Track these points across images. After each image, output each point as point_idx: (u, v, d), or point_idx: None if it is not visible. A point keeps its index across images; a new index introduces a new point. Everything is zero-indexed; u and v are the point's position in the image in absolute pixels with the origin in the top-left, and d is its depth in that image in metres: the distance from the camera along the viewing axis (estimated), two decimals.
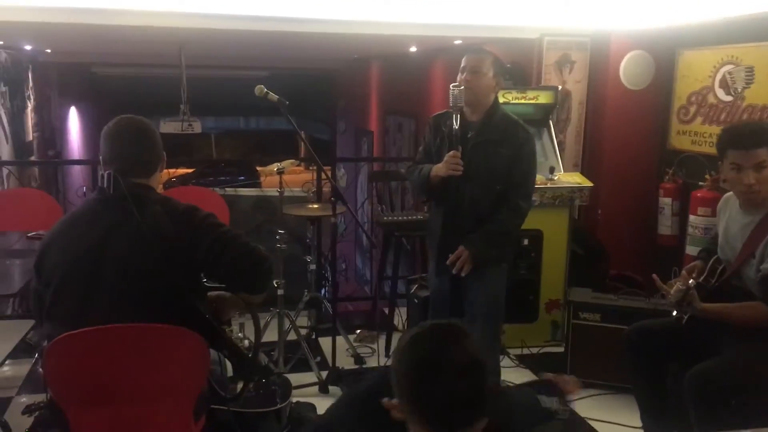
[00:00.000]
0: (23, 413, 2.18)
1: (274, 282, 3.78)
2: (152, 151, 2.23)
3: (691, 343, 2.76)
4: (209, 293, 2.36)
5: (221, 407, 2.37)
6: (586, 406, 3.61)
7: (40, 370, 2.36)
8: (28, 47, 7.97)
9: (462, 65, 3.03)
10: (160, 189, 2.33)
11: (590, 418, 3.49)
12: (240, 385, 2.36)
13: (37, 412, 2.17)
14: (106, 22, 4.31)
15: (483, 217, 3.02)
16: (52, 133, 10.16)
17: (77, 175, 9.70)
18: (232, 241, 2.13)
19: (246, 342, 2.30)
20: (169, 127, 6.92)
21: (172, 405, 2.08)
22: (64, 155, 10.71)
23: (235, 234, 2.16)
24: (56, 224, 2.23)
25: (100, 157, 2.21)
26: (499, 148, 3.00)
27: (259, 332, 2.43)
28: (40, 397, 2.21)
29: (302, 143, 5.28)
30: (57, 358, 1.97)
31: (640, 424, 3.04)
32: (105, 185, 2.12)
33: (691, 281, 2.58)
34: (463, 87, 2.92)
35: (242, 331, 2.92)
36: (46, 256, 2.14)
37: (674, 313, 2.68)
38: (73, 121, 11.96)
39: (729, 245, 2.76)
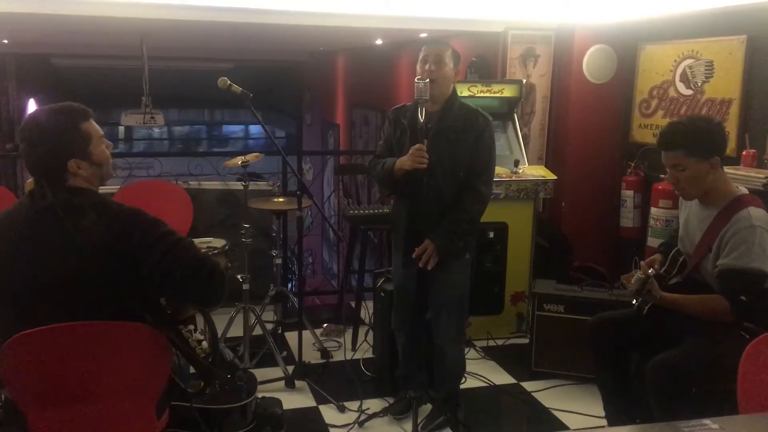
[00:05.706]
0: None
1: (239, 276, 3.75)
2: (53, 153, 1.97)
3: (653, 334, 2.81)
4: None
5: (185, 404, 2.34)
6: (550, 396, 3.66)
7: None
8: None
9: (422, 56, 3.02)
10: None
11: (554, 408, 3.53)
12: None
13: None
14: (65, 12, 4.21)
15: (447, 207, 3.03)
16: (10, 125, 9.91)
17: None
18: (182, 254, 1.98)
19: (205, 344, 2.21)
20: (130, 119, 6.79)
21: (134, 402, 2.05)
22: None
23: (184, 245, 2.01)
24: None
25: None
26: (459, 135, 3.02)
27: (215, 335, 2.25)
28: None
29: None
30: (13, 358, 1.92)
31: (603, 414, 3.08)
32: (34, 192, 1.99)
33: (651, 270, 2.62)
34: (428, 80, 2.91)
35: (204, 326, 2.87)
36: None
37: (634, 302, 2.73)
38: None
39: (689, 238, 2.81)
